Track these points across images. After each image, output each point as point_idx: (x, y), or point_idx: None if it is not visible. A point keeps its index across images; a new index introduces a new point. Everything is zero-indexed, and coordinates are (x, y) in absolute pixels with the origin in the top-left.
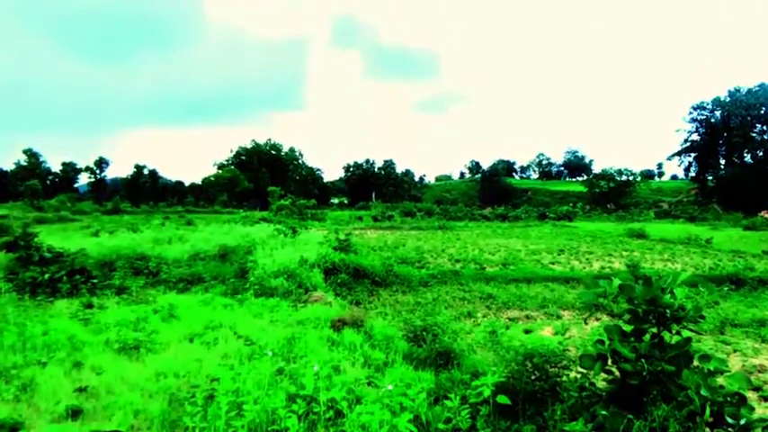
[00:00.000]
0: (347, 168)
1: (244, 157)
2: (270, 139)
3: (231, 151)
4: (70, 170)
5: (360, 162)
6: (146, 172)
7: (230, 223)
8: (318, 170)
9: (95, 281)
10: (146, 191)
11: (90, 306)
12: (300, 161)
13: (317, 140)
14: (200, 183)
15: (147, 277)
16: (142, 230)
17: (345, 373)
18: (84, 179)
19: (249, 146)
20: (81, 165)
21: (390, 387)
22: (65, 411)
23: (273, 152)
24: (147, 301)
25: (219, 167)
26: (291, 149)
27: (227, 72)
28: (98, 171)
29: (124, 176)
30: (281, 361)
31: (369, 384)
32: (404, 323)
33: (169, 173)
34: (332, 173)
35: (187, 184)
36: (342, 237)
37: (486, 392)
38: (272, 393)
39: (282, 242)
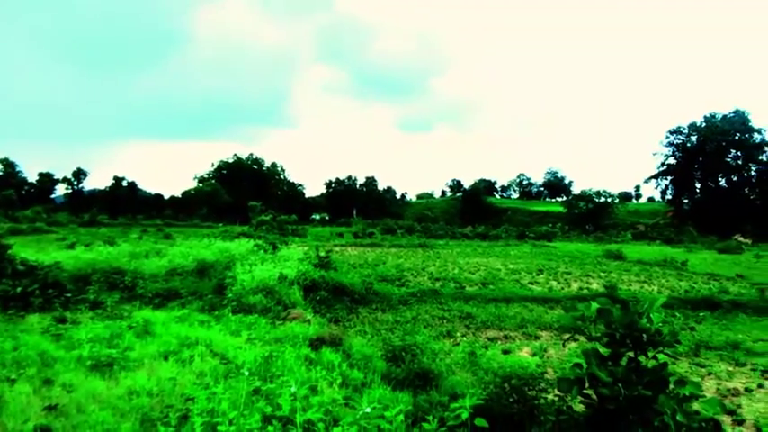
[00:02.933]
0: (329, 184)
1: (225, 172)
2: (252, 154)
3: (212, 165)
4: (47, 181)
5: (342, 178)
6: (124, 184)
7: (209, 238)
8: (300, 186)
9: (69, 295)
10: (124, 203)
11: (63, 321)
12: (282, 176)
13: (300, 156)
14: (179, 196)
15: (123, 292)
16: (119, 244)
17: (323, 393)
18: (61, 190)
19: (231, 160)
20: (58, 175)
21: (368, 409)
22: (33, 430)
23: (255, 167)
24: (122, 317)
25: (200, 181)
26: (273, 164)
27: (211, 86)
28: (75, 182)
29: (102, 188)
30: (258, 380)
31: (346, 405)
32: (383, 342)
33: (149, 186)
34: (313, 188)
35: (167, 197)
36: (322, 253)
37: (465, 415)
38: (247, 414)
39: (262, 258)
